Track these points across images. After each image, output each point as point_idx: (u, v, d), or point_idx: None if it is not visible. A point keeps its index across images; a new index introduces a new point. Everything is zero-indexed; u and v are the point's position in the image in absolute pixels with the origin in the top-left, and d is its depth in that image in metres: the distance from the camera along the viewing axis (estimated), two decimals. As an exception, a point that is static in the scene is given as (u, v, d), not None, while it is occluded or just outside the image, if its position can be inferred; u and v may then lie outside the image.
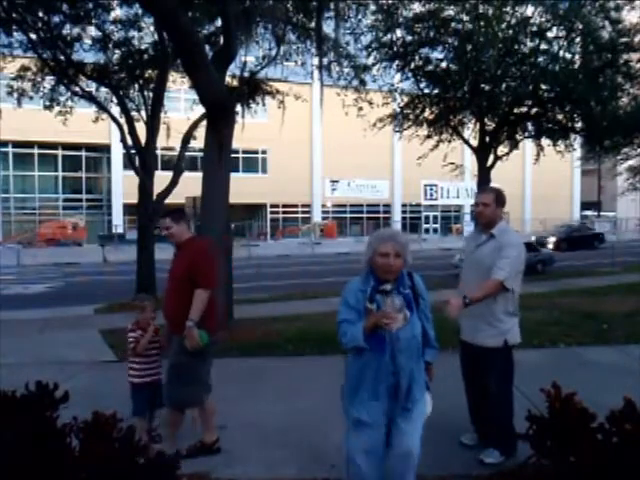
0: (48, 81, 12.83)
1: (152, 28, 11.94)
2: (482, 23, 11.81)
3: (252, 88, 11.62)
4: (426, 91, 14.62)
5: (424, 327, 2.83)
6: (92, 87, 13.35)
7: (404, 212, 44.67)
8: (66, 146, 36.02)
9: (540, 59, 13.22)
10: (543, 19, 12.83)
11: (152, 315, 4.18)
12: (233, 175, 8.81)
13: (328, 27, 10.97)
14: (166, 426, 3.98)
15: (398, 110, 15.52)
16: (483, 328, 3.75)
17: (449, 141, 16.15)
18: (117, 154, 34.98)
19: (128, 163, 13.42)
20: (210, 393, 4.05)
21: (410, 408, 2.77)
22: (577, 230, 31.28)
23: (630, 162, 26.05)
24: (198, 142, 11.42)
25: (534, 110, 14.56)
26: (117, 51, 12.47)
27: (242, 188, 26.54)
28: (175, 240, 3.96)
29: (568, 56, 13.26)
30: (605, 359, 6.39)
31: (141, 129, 12.29)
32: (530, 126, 15.70)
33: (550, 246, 26.57)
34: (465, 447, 4.00)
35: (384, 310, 2.66)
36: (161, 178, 12.50)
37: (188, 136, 12.63)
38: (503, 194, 3.94)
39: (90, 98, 12.65)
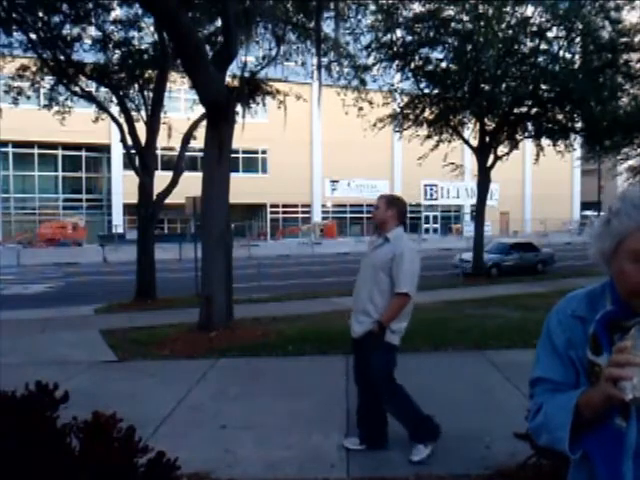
0: (47, 81, 12.82)
1: (152, 28, 11.95)
2: (482, 23, 11.83)
3: (252, 88, 11.60)
4: (426, 91, 14.64)
5: None
6: (92, 87, 13.35)
7: (404, 212, 44.67)
8: (66, 146, 36.02)
9: (540, 59, 13.26)
10: (543, 19, 12.86)
11: None
12: (233, 175, 8.82)
13: (328, 27, 10.98)
14: None
15: (398, 110, 15.53)
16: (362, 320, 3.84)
17: (449, 141, 16.16)
18: (117, 154, 34.97)
19: (128, 163, 13.41)
20: None
21: None
22: None
23: (630, 162, 26.01)
24: (198, 142, 11.42)
25: (534, 110, 14.58)
26: (117, 51, 12.47)
27: (242, 188, 26.56)
28: None
29: (568, 56, 13.29)
30: (605, 359, 6.37)
31: (141, 129, 12.28)
32: (530, 126, 15.71)
33: None
34: (465, 446, 3.97)
35: (621, 347, 1.11)
36: (161, 178, 12.49)
37: (188, 136, 12.63)
38: (398, 200, 3.98)
39: (90, 98, 12.65)
